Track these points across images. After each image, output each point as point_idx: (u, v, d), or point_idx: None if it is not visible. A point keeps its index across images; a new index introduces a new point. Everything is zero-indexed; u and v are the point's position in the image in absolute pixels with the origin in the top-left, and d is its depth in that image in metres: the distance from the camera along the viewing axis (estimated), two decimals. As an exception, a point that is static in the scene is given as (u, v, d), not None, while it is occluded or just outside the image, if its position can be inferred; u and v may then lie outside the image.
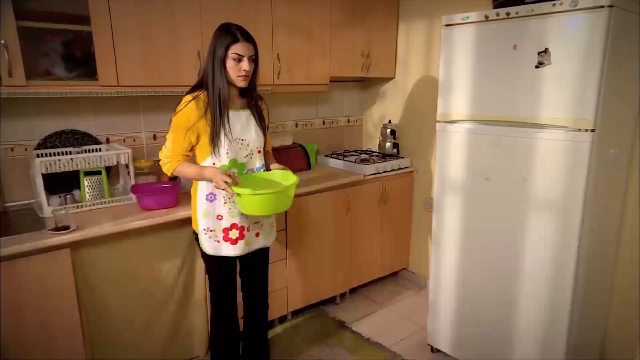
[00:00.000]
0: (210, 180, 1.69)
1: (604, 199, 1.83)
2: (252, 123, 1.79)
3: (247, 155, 1.79)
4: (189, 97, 1.69)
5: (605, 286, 2.04)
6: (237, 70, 1.65)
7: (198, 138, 1.72)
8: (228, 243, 1.79)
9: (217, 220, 1.78)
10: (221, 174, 1.63)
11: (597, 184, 1.72)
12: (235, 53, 1.63)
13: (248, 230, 1.82)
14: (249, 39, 1.66)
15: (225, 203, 1.76)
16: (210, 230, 1.78)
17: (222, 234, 1.78)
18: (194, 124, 1.68)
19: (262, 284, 2.02)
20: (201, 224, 1.78)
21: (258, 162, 1.84)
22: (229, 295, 1.93)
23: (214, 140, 1.69)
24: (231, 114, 1.72)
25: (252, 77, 1.73)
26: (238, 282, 1.98)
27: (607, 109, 1.66)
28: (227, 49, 1.63)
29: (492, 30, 1.84)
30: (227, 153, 1.72)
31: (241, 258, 1.90)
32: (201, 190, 1.77)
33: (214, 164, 1.73)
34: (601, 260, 1.95)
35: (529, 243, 1.85)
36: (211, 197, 1.76)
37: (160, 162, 1.78)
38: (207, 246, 1.80)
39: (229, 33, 1.64)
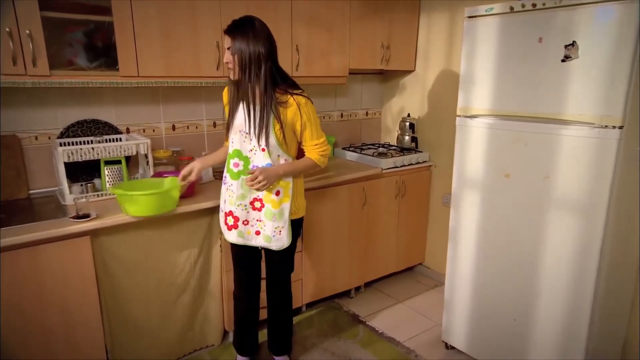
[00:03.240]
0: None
1: (630, 200, 1.77)
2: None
3: (251, 150, 1.77)
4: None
5: (629, 289, 1.98)
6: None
7: None
8: (226, 227, 1.89)
9: (223, 203, 1.89)
10: (189, 166, 1.86)
11: (623, 183, 1.66)
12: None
13: (245, 224, 1.85)
14: (229, 30, 1.67)
15: (227, 189, 1.84)
16: (221, 210, 1.91)
17: (224, 217, 1.88)
18: (225, 107, 1.85)
19: (278, 277, 2.03)
20: (221, 203, 1.91)
21: (262, 160, 1.76)
22: (242, 275, 2.00)
23: (226, 128, 1.82)
24: (245, 105, 1.73)
25: (249, 75, 1.66)
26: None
27: (637, 106, 1.60)
28: None
29: (516, 23, 1.78)
30: (232, 142, 1.79)
31: (265, 249, 1.94)
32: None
33: (229, 150, 1.83)
34: (625, 263, 1.88)
35: (550, 242, 1.80)
36: (224, 180, 1.87)
37: None
38: (221, 222, 1.92)
39: None
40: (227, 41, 1.68)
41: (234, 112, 1.77)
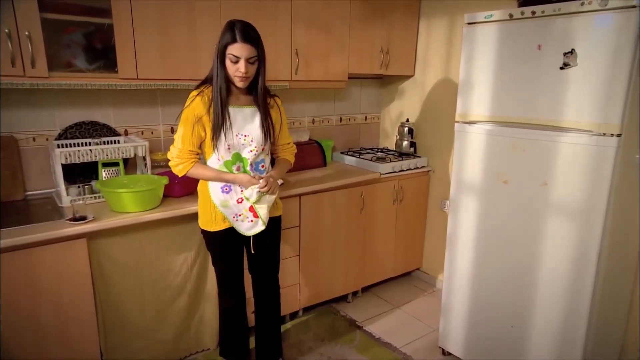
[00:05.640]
0: (240, 184, 1.77)
1: (627, 207, 1.77)
2: (257, 120, 1.77)
3: (252, 152, 1.78)
4: (194, 93, 1.73)
5: (626, 294, 1.98)
6: (233, 70, 1.64)
7: (206, 132, 1.75)
8: (258, 219, 1.82)
9: (238, 204, 1.80)
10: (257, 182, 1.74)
11: (621, 191, 1.66)
12: (231, 54, 1.61)
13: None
14: (248, 39, 1.60)
15: (242, 190, 1.79)
16: (239, 215, 1.81)
17: (250, 213, 1.81)
18: (200, 118, 1.71)
19: (270, 277, 2.01)
20: (229, 215, 1.82)
21: (259, 158, 1.82)
22: (233, 282, 1.96)
23: (214, 135, 1.71)
24: (234, 109, 1.73)
25: (259, 76, 1.70)
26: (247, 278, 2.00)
27: (635, 113, 1.60)
28: (225, 48, 1.62)
29: (515, 30, 1.79)
30: (229, 148, 1.74)
31: (251, 255, 1.93)
32: (214, 185, 1.79)
33: (218, 159, 1.75)
34: (622, 269, 1.89)
35: (547, 249, 1.80)
36: (227, 189, 1.79)
37: (170, 163, 1.77)
38: (244, 229, 1.83)
39: (230, 32, 1.61)
40: (248, 51, 1.61)
41: (224, 120, 1.69)
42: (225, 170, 1.77)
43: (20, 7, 1.68)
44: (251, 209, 1.80)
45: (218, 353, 2.19)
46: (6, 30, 1.66)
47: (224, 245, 1.86)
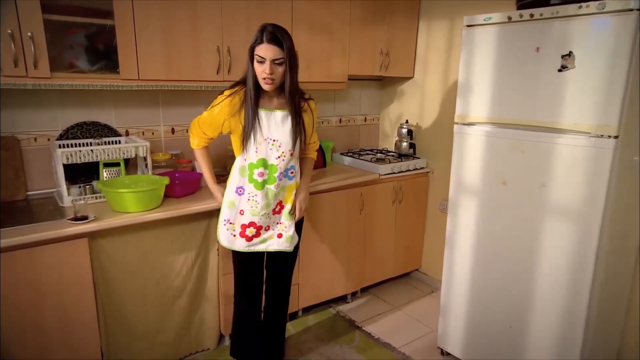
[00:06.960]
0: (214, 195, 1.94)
1: (625, 209, 1.79)
2: (288, 124, 1.75)
3: (279, 157, 1.76)
4: (227, 93, 1.74)
5: (624, 296, 1.99)
6: (260, 71, 1.65)
7: (230, 132, 1.78)
8: (243, 239, 1.83)
9: (238, 215, 1.81)
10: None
11: (619, 192, 1.68)
12: (257, 54, 1.62)
13: (267, 230, 1.85)
14: (274, 41, 1.60)
15: (249, 200, 1.79)
16: (230, 223, 1.82)
17: (239, 229, 1.82)
18: (224, 121, 1.74)
19: (283, 284, 2.04)
20: (224, 214, 1.83)
21: (288, 163, 1.81)
22: (248, 287, 1.97)
23: (244, 138, 1.72)
24: (264, 112, 1.73)
25: (290, 78, 1.68)
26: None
27: (632, 115, 1.62)
28: (252, 49, 1.64)
29: (514, 32, 1.80)
30: (257, 152, 1.74)
31: (269, 254, 1.94)
32: (233, 181, 1.81)
33: (245, 160, 1.76)
34: (620, 270, 1.90)
35: (546, 250, 1.82)
36: (240, 191, 1.80)
37: (190, 130, 1.89)
38: (222, 237, 1.84)
39: (259, 33, 1.62)
40: (273, 51, 1.60)
41: (254, 123, 1.70)
42: (247, 171, 1.77)
43: (23, 9, 1.69)
44: (243, 226, 1.81)
45: (218, 352, 2.21)
46: (9, 31, 1.67)
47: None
